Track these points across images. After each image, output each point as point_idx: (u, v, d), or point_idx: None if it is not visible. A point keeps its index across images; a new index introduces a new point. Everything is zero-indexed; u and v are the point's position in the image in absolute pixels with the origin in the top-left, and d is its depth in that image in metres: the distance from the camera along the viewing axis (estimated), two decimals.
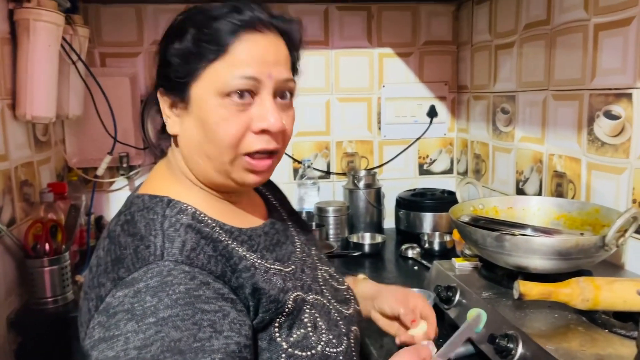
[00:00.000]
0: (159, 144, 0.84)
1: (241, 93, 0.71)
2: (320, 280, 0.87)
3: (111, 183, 1.93)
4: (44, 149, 1.65)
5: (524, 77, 1.60)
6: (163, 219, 0.70)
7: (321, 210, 1.85)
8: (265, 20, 0.74)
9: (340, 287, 0.92)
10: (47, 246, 1.38)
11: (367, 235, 1.85)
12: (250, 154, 0.73)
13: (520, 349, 0.89)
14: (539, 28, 1.50)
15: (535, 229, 1.12)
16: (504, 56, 1.71)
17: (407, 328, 0.89)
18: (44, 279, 1.37)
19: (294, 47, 0.80)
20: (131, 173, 1.92)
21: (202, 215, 0.73)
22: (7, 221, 1.35)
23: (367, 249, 1.75)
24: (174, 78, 0.73)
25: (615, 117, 1.22)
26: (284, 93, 0.76)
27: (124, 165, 1.88)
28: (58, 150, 1.79)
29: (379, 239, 1.80)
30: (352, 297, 0.92)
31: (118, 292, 0.64)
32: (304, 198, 1.99)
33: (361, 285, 1.01)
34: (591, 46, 1.29)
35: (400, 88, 2.05)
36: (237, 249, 0.73)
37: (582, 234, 1.12)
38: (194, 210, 0.73)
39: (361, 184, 1.93)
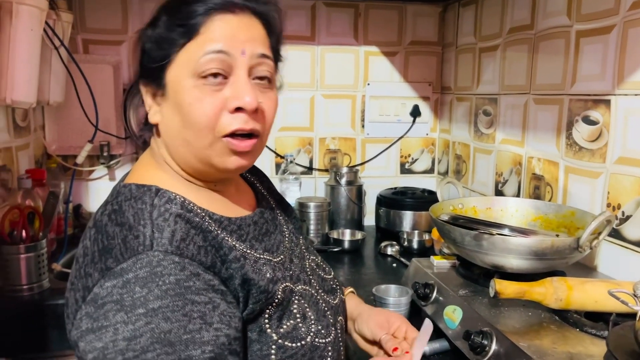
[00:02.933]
0: (141, 135, 0.83)
1: (215, 74, 0.70)
2: (308, 270, 0.87)
3: (91, 172, 1.91)
4: (23, 135, 1.63)
5: (506, 80, 1.63)
6: (152, 208, 0.68)
7: (302, 206, 1.85)
8: (239, 2, 0.72)
9: (326, 276, 0.92)
10: (23, 233, 1.36)
11: (348, 231, 1.86)
12: (229, 135, 0.71)
13: (494, 346, 0.91)
14: (523, 32, 1.53)
15: (513, 229, 1.14)
16: (487, 59, 1.74)
17: (387, 354, 0.83)
18: (19, 265, 1.35)
19: (271, 29, 0.77)
20: (111, 162, 1.89)
21: (191, 204, 0.72)
22: None
23: (346, 245, 1.76)
24: (150, 64, 0.73)
25: (593, 123, 1.25)
26: (262, 76, 0.74)
27: (105, 154, 1.86)
28: (37, 136, 1.76)
29: (359, 235, 1.82)
30: (337, 287, 0.92)
31: (106, 282, 0.63)
32: (286, 193, 1.99)
33: (347, 300, 0.97)
34: (572, 52, 1.31)
35: (384, 87, 2.06)
36: (226, 239, 0.72)
37: (557, 236, 1.14)
38: (182, 199, 0.72)
39: (343, 181, 1.94)
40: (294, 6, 1.97)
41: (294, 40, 1.96)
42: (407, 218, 1.87)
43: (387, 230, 1.90)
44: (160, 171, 0.77)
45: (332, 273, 0.95)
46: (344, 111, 2.06)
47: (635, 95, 1.12)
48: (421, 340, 0.79)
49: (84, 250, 0.69)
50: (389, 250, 1.72)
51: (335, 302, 0.87)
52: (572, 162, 1.33)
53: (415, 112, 2.09)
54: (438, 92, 2.11)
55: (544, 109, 1.44)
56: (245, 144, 0.72)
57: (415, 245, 1.73)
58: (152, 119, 0.76)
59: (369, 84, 2.05)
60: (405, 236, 1.75)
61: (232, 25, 0.71)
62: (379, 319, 0.88)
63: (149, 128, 0.79)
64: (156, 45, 0.72)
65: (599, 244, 1.05)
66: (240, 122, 0.71)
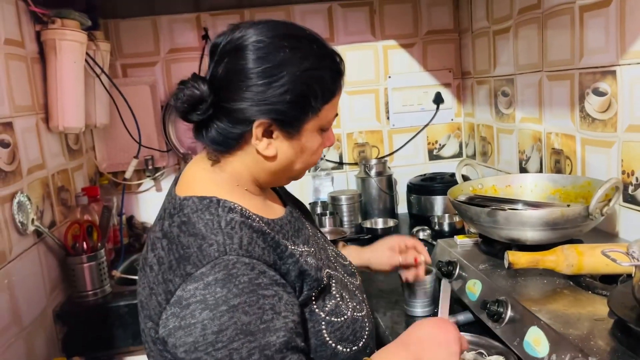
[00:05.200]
0: (213, 150, 0.86)
1: (329, 126, 0.88)
2: (332, 257, 0.98)
3: (139, 185, 2.07)
4: (77, 157, 1.80)
5: (520, 60, 1.67)
6: (219, 218, 0.78)
7: (334, 199, 1.95)
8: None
9: (345, 262, 1.03)
10: (84, 245, 1.52)
11: (380, 220, 1.94)
12: None
13: (509, 312, 0.97)
14: (532, 12, 1.56)
15: (526, 203, 1.20)
16: (501, 41, 1.78)
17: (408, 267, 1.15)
18: (84, 274, 1.51)
19: None
20: (157, 174, 2.05)
21: (247, 211, 0.82)
22: (48, 224, 1.50)
23: (380, 232, 1.84)
24: (298, 118, 0.82)
25: (602, 94, 1.28)
26: None
27: (150, 167, 2.02)
28: (89, 157, 1.94)
29: (390, 223, 1.90)
30: (355, 270, 1.03)
31: (188, 285, 0.73)
32: (319, 189, 2.10)
33: (346, 254, 1.10)
34: (578, 27, 1.35)
35: (405, 78, 2.13)
36: (279, 238, 0.82)
37: (568, 206, 1.19)
38: (240, 207, 0.81)
39: (372, 172, 2.02)
40: (311, 10, 2.06)
41: None
42: (438, 203, 1.93)
43: (420, 216, 1.96)
44: (216, 183, 0.84)
45: (348, 260, 1.05)
46: (368, 105, 2.14)
47: (638, 64, 1.16)
48: (444, 302, 0.93)
49: (158, 260, 0.77)
50: (421, 235, 1.79)
51: (358, 282, 0.99)
52: (587, 134, 1.36)
53: (438, 99, 2.14)
54: (459, 77, 2.16)
55: (557, 84, 1.47)
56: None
57: (446, 228, 1.79)
58: (268, 152, 0.82)
59: (390, 77, 2.12)
60: (436, 220, 1.82)
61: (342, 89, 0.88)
62: (386, 251, 1.16)
63: (224, 149, 0.84)
64: (318, 102, 0.82)
65: (610, 210, 1.10)
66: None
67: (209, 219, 0.78)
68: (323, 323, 0.83)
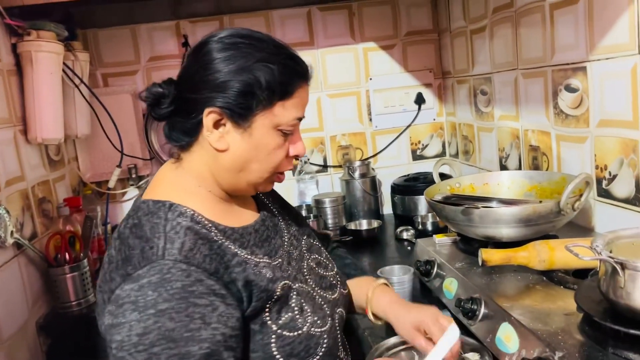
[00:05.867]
0: (170, 151, 0.91)
1: (290, 130, 0.86)
2: (305, 270, 0.96)
3: (123, 194, 2.07)
4: (58, 168, 1.80)
5: (496, 58, 1.68)
6: (165, 222, 0.79)
7: (318, 202, 1.95)
8: (312, 76, 0.89)
9: (327, 273, 1.01)
10: (67, 255, 1.52)
11: (365, 221, 1.95)
12: (280, 172, 0.90)
13: (483, 310, 0.98)
14: (505, 11, 1.58)
15: (501, 201, 1.21)
16: (478, 40, 1.79)
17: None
18: (67, 285, 1.51)
19: None
20: (140, 183, 2.05)
21: (200, 217, 0.83)
22: (29, 235, 1.50)
23: (364, 234, 1.85)
24: (246, 107, 0.82)
25: (574, 90, 1.30)
26: None
27: (133, 175, 2.02)
28: (72, 167, 1.94)
29: (375, 224, 1.90)
30: (338, 282, 1.02)
31: (125, 285, 0.74)
32: (305, 192, 2.10)
33: (378, 292, 1.03)
34: (549, 25, 1.36)
35: (386, 79, 2.14)
36: (230, 246, 0.83)
37: (540, 202, 1.20)
38: (192, 212, 0.82)
39: (356, 174, 2.03)
40: (290, 15, 2.07)
41: (294, 47, 2.04)
42: (422, 202, 1.93)
43: (404, 216, 1.97)
44: (178, 186, 0.87)
45: (335, 270, 1.04)
46: (350, 108, 2.15)
47: (607, 59, 1.17)
48: (442, 346, 0.84)
49: (109, 258, 0.80)
50: (405, 235, 1.80)
51: (333, 296, 0.97)
52: (561, 130, 1.38)
53: (420, 100, 2.15)
54: (439, 77, 2.17)
55: (532, 82, 1.48)
56: (284, 177, 0.93)
57: (429, 227, 1.80)
58: (219, 145, 0.83)
59: (371, 79, 2.13)
60: (419, 220, 1.82)
61: (307, 94, 0.89)
62: (411, 326, 0.93)
63: (183, 146, 0.87)
64: (263, 91, 0.81)
65: (581, 205, 1.11)
66: (291, 164, 0.92)
67: (155, 222, 0.79)
68: (273, 336, 0.82)
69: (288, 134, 0.86)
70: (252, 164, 0.85)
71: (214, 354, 0.72)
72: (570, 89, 1.31)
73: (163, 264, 0.74)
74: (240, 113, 0.82)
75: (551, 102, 1.40)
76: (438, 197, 1.28)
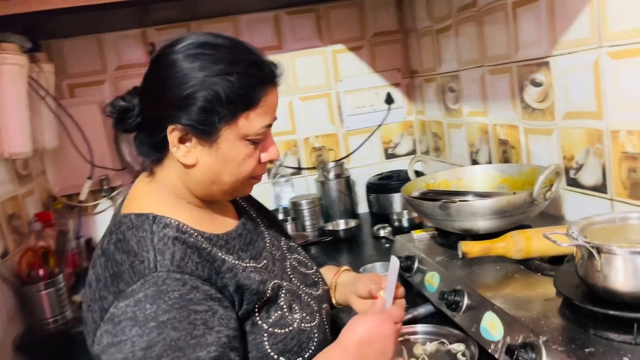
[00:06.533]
0: (143, 164, 0.90)
1: (260, 137, 0.84)
2: (288, 269, 0.98)
3: (95, 206, 2.03)
4: (27, 182, 1.75)
5: (463, 56, 1.72)
6: (152, 235, 0.78)
7: (295, 205, 1.96)
8: (280, 76, 0.86)
9: (308, 271, 1.03)
10: (41, 271, 1.48)
11: (342, 222, 1.97)
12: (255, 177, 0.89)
13: (466, 300, 1.01)
14: (469, 10, 1.62)
15: (476, 194, 1.24)
16: (444, 39, 1.83)
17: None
18: (42, 302, 1.47)
19: None
20: (113, 194, 2.01)
21: (184, 226, 0.83)
22: (0, 253, 1.45)
23: (342, 234, 1.87)
24: (208, 123, 0.80)
25: (539, 84, 1.34)
26: None
27: (105, 187, 1.98)
28: (41, 181, 1.89)
29: (352, 223, 1.92)
30: (320, 279, 1.04)
31: (120, 303, 0.73)
32: (280, 195, 2.11)
33: (343, 275, 1.09)
34: (512, 22, 1.41)
35: (356, 80, 2.16)
36: (218, 253, 0.83)
37: (514, 193, 1.24)
38: (177, 222, 0.82)
39: (331, 175, 2.05)
40: (258, 20, 2.07)
41: (263, 51, 2.06)
42: (396, 200, 1.97)
43: (380, 214, 2.00)
44: (157, 198, 0.86)
45: (314, 268, 1.06)
46: (321, 110, 2.17)
47: (569, 54, 1.22)
48: (390, 279, 0.86)
49: (95, 277, 0.79)
50: (382, 232, 1.83)
51: (317, 292, 0.99)
52: (528, 124, 1.42)
53: (389, 100, 2.18)
54: (408, 76, 2.21)
55: (498, 78, 1.53)
56: (260, 179, 0.91)
57: (405, 223, 1.83)
58: (187, 160, 0.82)
59: (340, 81, 2.15)
60: (395, 217, 1.85)
61: (276, 97, 0.86)
62: (372, 277, 0.99)
63: (153, 158, 0.86)
64: (224, 106, 0.79)
65: (552, 194, 1.15)
66: (265, 168, 0.91)
67: (142, 236, 0.79)
68: (265, 335, 0.83)
69: (258, 142, 0.84)
70: (223, 176, 0.84)
71: (222, 355, 0.73)
72: (535, 84, 1.36)
73: (157, 276, 0.74)
74: (204, 130, 0.80)
75: (518, 97, 1.45)
76: (415, 194, 1.31)
